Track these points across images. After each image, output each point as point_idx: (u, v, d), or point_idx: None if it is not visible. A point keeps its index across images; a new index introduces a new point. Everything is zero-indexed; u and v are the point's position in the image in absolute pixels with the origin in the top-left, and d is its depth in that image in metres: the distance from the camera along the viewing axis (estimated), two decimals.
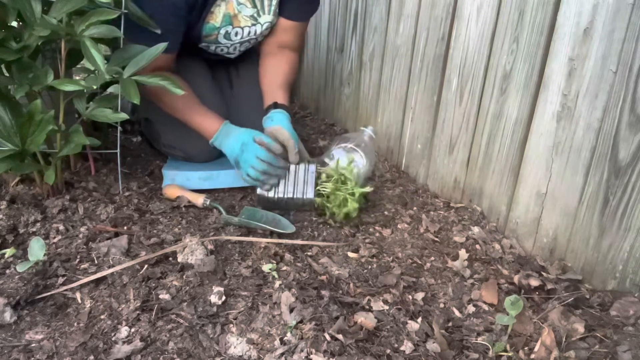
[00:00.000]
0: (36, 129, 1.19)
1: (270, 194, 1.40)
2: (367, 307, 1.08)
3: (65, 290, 1.06)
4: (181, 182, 1.48)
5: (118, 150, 1.40)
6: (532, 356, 0.98)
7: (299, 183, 1.41)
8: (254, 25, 1.55)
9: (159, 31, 1.31)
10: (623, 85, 1.02)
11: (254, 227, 1.32)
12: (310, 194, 1.39)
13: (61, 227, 1.24)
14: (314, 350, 0.95)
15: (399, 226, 1.40)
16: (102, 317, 1.01)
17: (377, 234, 1.36)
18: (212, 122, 1.45)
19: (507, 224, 1.35)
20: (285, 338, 0.98)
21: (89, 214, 1.31)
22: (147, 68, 1.25)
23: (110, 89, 1.49)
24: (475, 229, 1.37)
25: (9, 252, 1.13)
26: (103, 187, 1.43)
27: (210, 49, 1.59)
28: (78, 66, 1.38)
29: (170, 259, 1.19)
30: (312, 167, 1.44)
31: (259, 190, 1.41)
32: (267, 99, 1.56)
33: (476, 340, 1.03)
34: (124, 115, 1.27)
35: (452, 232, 1.37)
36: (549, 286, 1.12)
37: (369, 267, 1.23)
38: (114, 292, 1.07)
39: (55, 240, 1.20)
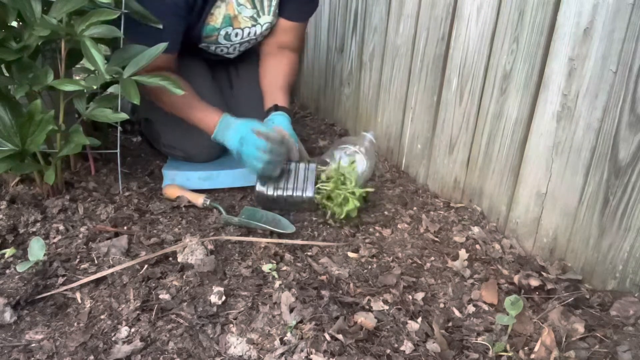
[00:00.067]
0: (36, 129, 1.19)
1: (270, 192, 1.39)
2: (367, 307, 1.08)
3: (65, 290, 1.06)
4: (181, 182, 1.48)
5: (118, 150, 1.40)
6: (532, 356, 0.98)
7: (299, 181, 1.41)
8: (253, 26, 1.55)
9: (160, 26, 1.31)
10: (623, 85, 1.02)
11: (254, 227, 1.32)
12: (310, 192, 1.39)
13: (61, 227, 1.24)
14: (314, 350, 0.95)
15: (399, 226, 1.40)
16: (102, 317, 1.01)
17: (377, 234, 1.36)
18: (213, 116, 1.44)
19: (507, 224, 1.35)
20: (285, 338, 0.98)
21: (89, 214, 1.31)
22: (148, 68, 1.25)
23: (110, 89, 1.49)
24: (475, 229, 1.37)
25: (9, 252, 1.13)
26: (103, 187, 1.43)
27: (210, 49, 1.59)
28: (78, 66, 1.38)
29: (170, 259, 1.19)
30: (312, 166, 1.44)
31: (258, 187, 1.40)
32: (267, 100, 1.56)
33: (476, 340, 1.03)
34: (124, 115, 1.27)
35: (452, 232, 1.37)
36: (549, 286, 1.13)
37: (369, 267, 1.23)
38: (114, 292, 1.07)
39: (55, 240, 1.20)
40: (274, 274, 1.16)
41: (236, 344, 0.97)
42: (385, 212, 1.45)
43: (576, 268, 1.18)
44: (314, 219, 1.40)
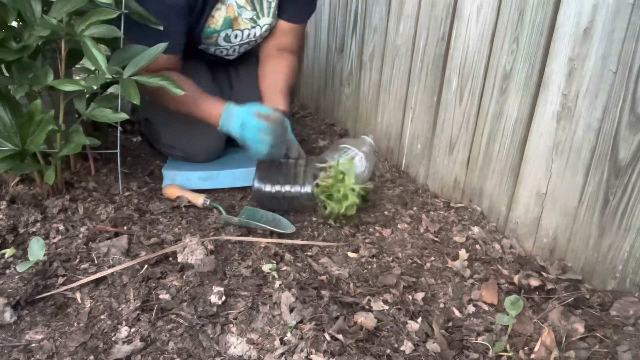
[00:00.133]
0: (36, 129, 1.19)
1: (267, 188, 1.38)
2: (367, 307, 1.08)
3: (65, 290, 1.06)
4: (181, 182, 1.48)
5: (118, 150, 1.40)
6: (532, 356, 0.98)
7: (297, 177, 1.40)
8: (253, 27, 1.55)
9: (161, 28, 1.31)
10: (623, 85, 1.02)
11: (254, 227, 1.32)
12: (308, 188, 1.38)
13: (61, 227, 1.24)
14: (314, 350, 0.95)
15: (399, 226, 1.40)
16: (102, 317, 1.01)
17: (377, 234, 1.36)
18: (217, 107, 1.43)
19: (507, 224, 1.35)
20: (285, 338, 0.98)
21: (89, 214, 1.31)
22: (153, 69, 1.24)
23: (110, 89, 1.49)
24: (475, 229, 1.37)
25: (9, 252, 1.13)
26: (103, 187, 1.43)
27: (210, 51, 1.59)
28: (78, 66, 1.38)
29: (170, 259, 1.19)
30: (311, 163, 1.43)
31: (255, 184, 1.39)
32: (266, 103, 1.56)
33: (476, 340, 1.03)
34: (124, 115, 1.27)
35: (452, 232, 1.37)
36: (549, 286, 1.12)
37: (369, 267, 1.23)
38: (114, 292, 1.07)
39: (55, 240, 1.20)
40: (274, 274, 1.16)
41: (236, 344, 0.97)
42: (385, 212, 1.45)
43: (576, 268, 1.18)
44: (314, 219, 1.40)
